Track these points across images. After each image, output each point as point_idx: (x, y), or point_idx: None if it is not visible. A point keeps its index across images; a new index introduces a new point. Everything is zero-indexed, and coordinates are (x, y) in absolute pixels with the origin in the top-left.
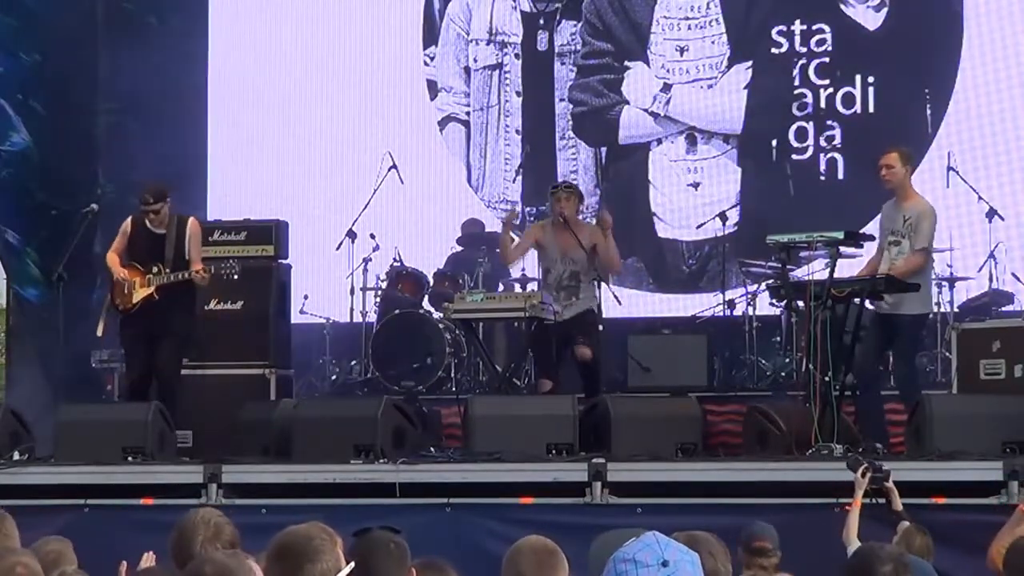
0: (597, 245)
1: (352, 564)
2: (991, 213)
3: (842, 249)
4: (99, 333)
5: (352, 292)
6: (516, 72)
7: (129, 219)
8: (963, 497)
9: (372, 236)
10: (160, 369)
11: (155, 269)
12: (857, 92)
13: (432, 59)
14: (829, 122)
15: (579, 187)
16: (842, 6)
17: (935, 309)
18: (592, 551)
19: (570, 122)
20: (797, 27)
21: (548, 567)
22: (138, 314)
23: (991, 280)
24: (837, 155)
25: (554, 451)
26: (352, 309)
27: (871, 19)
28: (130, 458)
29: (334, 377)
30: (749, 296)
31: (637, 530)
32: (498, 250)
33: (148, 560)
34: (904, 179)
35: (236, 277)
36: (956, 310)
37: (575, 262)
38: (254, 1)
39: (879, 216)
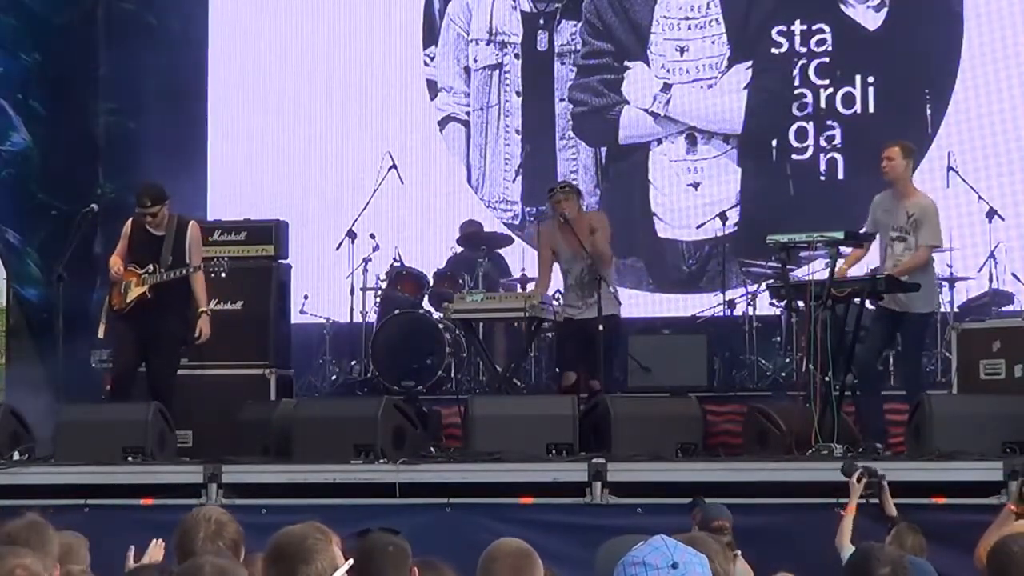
0: (595, 233)
1: (351, 561)
2: (991, 213)
3: (842, 249)
4: (100, 335)
5: (352, 292)
6: (516, 72)
7: (129, 221)
8: (963, 497)
9: (372, 236)
10: (155, 370)
11: (150, 268)
12: (857, 92)
13: (432, 59)
14: (829, 122)
15: (577, 185)
16: (842, 6)
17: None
18: (599, 557)
19: (570, 122)
20: (797, 27)
21: (522, 571)
22: (131, 313)
23: (991, 280)
24: (837, 155)
25: (554, 451)
26: (352, 309)
27: (871, 19)
28: (130, 458)
29: (334, 377)
30: (749, 296)
31: (642, 535)
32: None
33: (158, 549)
34: (904, 172)
35: (224, 275)
36: (956, 310)
37: (587, 257)
38: (254, 1)
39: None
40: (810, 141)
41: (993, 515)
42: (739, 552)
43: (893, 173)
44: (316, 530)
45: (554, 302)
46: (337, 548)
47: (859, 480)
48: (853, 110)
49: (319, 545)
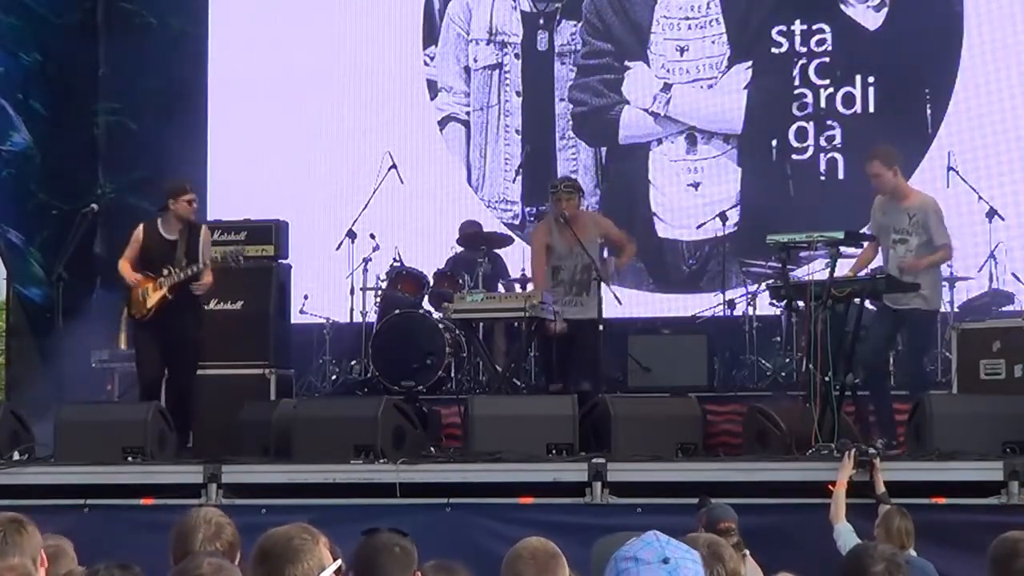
0: (607, 235)
1: (339, 562)
2: (991, 213)
3: (842, 249)
4: (123, 345)
5: (352, 292)
6: (516, 72)
7: (141, 226)
8: (963, 497)
9: (372, 236)
10: (177, 373)
11: (165, 271)
12: (857, 92)
13: (432, 59)
14: (829, 122)
15: (578, 182)
16: (842, 6)
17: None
18: (593, 554)
19: (570, 122)
20: (797, 27)
21: (548, 571)
22: (152, 319)
23: (991, 280)
24: (837, 155)
25: (554, 451)
26: (352, 309)
27: (871, 19)
28: (130, 458)
29: (334, 377)
30: (749, 296)
31: (638, 532)
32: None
33: None
34: (895, 179)
35: (242, 260)
36: (956, 310)
37: (584, 255)
38: (254, 1)
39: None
40: (810, 141)
41: (993, 515)
42: (747, 552)
43: (884, 187)
44: (303, 530)
45: (553, 307)
46: (325, 548)
47: (850, 455)
48: (853, 110)
49: (306, 545)
